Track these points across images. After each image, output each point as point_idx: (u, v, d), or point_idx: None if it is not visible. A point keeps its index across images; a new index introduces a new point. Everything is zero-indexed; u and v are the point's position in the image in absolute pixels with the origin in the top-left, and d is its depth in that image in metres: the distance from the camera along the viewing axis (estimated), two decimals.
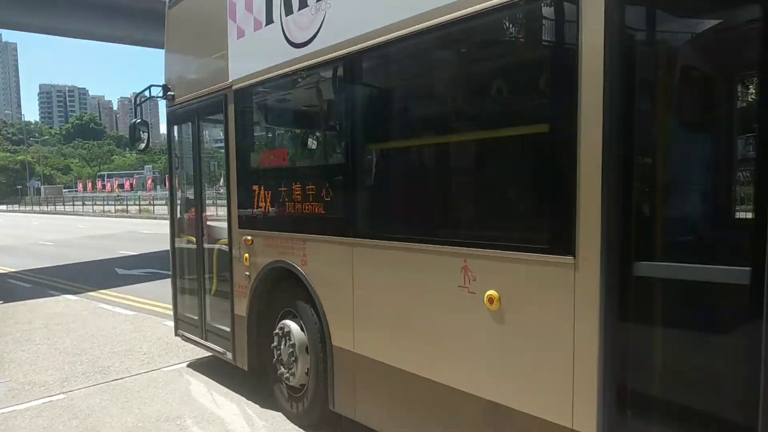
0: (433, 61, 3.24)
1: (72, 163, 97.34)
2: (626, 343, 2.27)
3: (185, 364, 5.77)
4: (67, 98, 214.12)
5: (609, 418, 2.28)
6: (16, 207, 57.11)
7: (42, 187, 69.35)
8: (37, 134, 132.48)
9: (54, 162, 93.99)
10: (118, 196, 49.37)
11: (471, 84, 3.08)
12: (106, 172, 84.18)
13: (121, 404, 4.78)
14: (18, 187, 68.40)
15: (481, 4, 2.64)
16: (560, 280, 2.40)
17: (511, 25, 2.73)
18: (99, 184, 65.31)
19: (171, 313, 6.04)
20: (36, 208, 53.86)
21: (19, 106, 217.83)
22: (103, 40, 31.19)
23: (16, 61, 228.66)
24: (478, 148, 3.01)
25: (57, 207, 51.30)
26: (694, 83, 2.60)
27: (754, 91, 2.23)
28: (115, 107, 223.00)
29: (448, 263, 2.90)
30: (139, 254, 15.51)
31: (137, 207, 41.36)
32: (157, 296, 8.95)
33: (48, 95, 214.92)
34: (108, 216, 38.39)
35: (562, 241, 2.38)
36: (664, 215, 2.38)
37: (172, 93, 5.72)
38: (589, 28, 2.24)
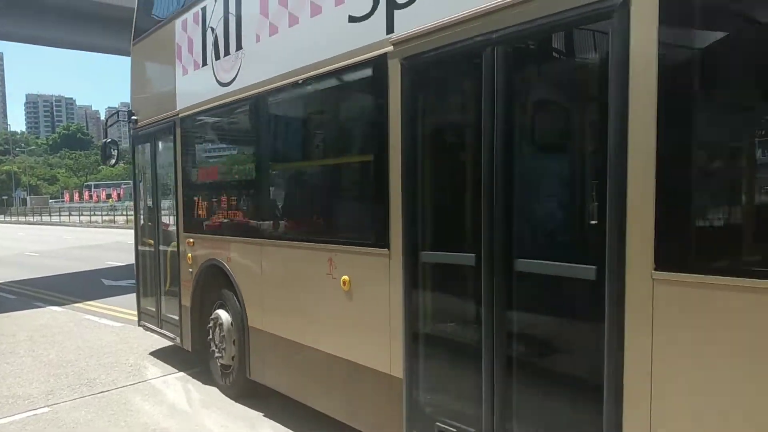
0: (308, 103, 4.27)
1: (58, 173, 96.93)
2: (420, 309, 3.25)
3: (173, 376, 5.76)
4: (54, 108, 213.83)
5: (410, 363, 3.26)
6: (1, 218, 56.78)
7: (28, 198, 68.84)
8: (23, 144, 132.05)
9: (40, 172, 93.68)
10: (112, 205, 48.28)
11: (329, 122, 4.13)
12: (93, 183, 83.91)
13: (108, 417, 4.73)
14: (3, 197, 68.02)
15: (335, 64, 3.65)
16: (382, 266, 3.38)
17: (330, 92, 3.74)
18: (86, 195, 64.72)
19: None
20: (22, 218, 53.23)
21: (5, 116, 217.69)
22: (90, 50, 30.84)
23: (2, 70, 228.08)
24: (334, 172, 4.04)
25: (43, 217, 50.84)
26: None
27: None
28: (102, 117, 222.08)
29: (320, 257, 3.88)
30: (126, 265, 14.44)
31: (124, 217, 41.22)
32: None
33: (34, 105, 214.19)
34: (95, 226, 38.00)
35: (382, 239, 3.36)
36: (436, 220, 3.33)
37: (136, 117, 6.69)
38: (394, 89, 3.24)
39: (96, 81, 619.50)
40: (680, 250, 2.15)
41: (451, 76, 3.22)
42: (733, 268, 2.03)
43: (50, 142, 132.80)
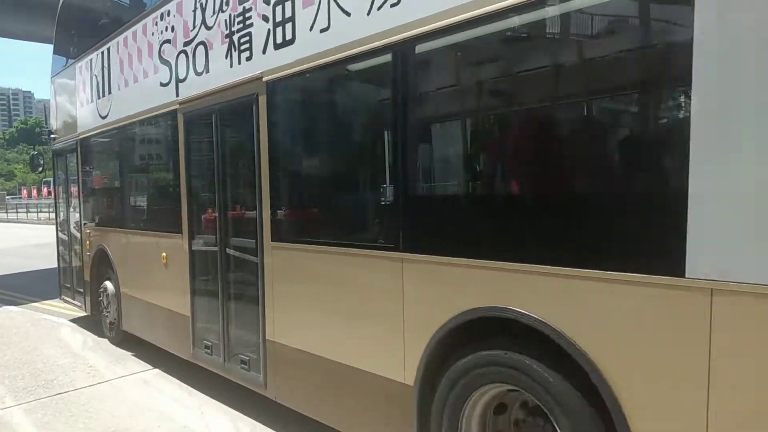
0: (142, 135, 6.14)
1: (16, 168, 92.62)
2: (197, 270, 5.13)
3: (133, 376, 5.79)
4: (11, 102, 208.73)
5: (193, 307, 5.15)
6: None
7: None
8: None
9: None
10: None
11: (153, 149, 6.02)
12: (51, 178, 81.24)
13: (65, 419, 4.65)
14: None
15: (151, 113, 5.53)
16: (180, 245, 5.26)
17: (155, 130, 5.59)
18: (45, 191, 61.19)
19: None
20: None
21: None
22: (49, 42, 30.11)
23: None
24: (156, 183, 6.01)
25: None
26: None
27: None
28: None
29: (152, 241, 5.75)
30: None
31: None
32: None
33: None
34: (53, 224, 35.51)
35: (179, 229, 5.25)
36: (198, 219, 5.19)
37: (54, 136, 8.51)
38: (261, 119, 5.13)
39: None
40: (281, 232, 4.07)
41: (200, 125, 5.01)
42: (302, 240, 3.93)
43: (7, 137, 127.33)
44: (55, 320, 8.44)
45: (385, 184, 3.20)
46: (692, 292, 2.02)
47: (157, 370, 5.90)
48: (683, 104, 2.08)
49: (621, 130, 2.53)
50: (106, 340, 7.18)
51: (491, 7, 2.57)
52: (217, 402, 4.93)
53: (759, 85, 1.86)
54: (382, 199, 3.22)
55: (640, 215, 2.22)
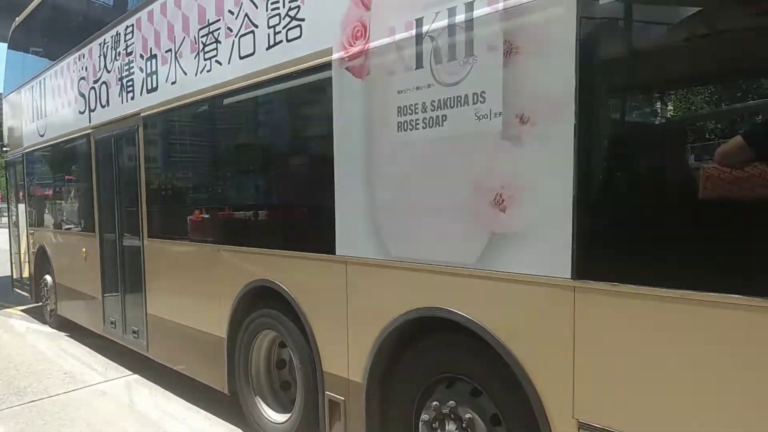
0: (68, 153, 7.39)
1: None
2: (107, 261, 6.41)
3: (109, 383, 5.73)
4: None
5: (102, 290, 6.43)
6: None
7: None
8: None
9: None
10: None
11: (76, 165, 7.29)
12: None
13: (39, 427, 4.63)
14: None
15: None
16: (93, 243, 6.53)
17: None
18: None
19: (92, 330, 6.90)
20: None
21: None
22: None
23: None
24: (77, 193, 7.23)
25: None
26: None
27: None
28: None
29: (75, 239, 7.02)
30: None
31: None
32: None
33: None
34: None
35: (93, 229, 6.52)
36: (108, 220, 6.46)
37: (7, 149, 9.74)
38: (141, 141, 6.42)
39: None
40: (153, 230, 5.36)
41: (105, 147, 6.22)
42: (165, 236, 5.23)
43: None
44: (28, 326, 8.59)
45: (207, 196, 4.54)
46: (337, 263, 3.36)
47: (136, 376, 5.90)
48: (328, 154, 3.40)
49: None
50: (47, 327, 8.43)
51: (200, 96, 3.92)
52: (195, 407, 4.98)
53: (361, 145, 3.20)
54: (206, 208, 4.56)
55: (314, 222, 3.57)
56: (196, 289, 4.78)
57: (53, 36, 7.99)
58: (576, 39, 2.25)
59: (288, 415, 4.02)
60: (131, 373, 5.97)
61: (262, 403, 4.25)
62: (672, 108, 2.34)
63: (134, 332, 5.82)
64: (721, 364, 1.96)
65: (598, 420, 2.29)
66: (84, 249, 6.82)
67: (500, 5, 2.49)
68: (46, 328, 8.28)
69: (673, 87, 2.33)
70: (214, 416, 4.75)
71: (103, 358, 6.58)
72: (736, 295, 1.90)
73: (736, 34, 2.05)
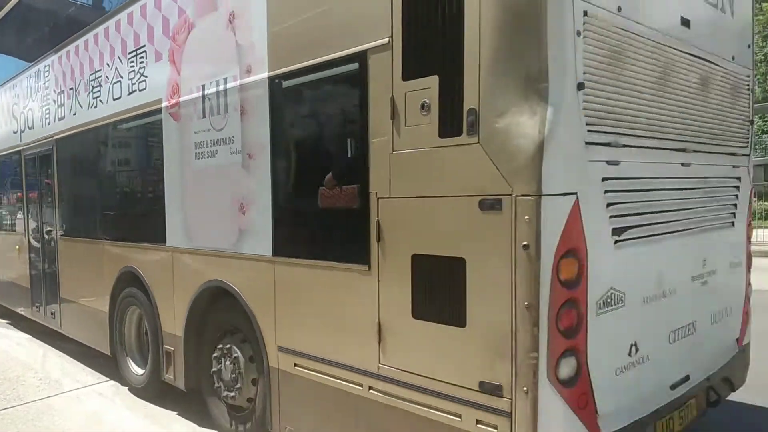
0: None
1: None
2: (42, 256, 7.69)
3: (85, 390, 5.63)
4: None
5: (31, 279, 7.71)
6: None
7: None
8: None
9: None
10: None
11: (10, 179, 8.58)
12: None
13: None
14: None
15: None
16: (20, 240, 7.81)
17: None
18: None
19: (67, 336, 6.78)
20: None
21: None
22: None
23: None
24: (9, 202, 8.53)
25: None
26: None
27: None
28: None
29: (12, 238, 8.29)
30: None
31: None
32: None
33: None
34: None
35: (24, 229, 7.80)
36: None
37: None
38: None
39: None
40: (64, 230, 6.67)
41: (32, 163, 7.52)
42: (71, 235, 6.54)
43: None
44: (1, 331, 8.54)
45: (97, 202, 5.90)
46: (167, 251, 4.72)
47: (113, 382, 5.79)
48: (162, 172, 4.76)
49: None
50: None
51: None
52: (172, 412, 4.99)
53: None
54: (107, 213, 5.91)
55: (155, 221, 4.94)
56: (89, 275, 6.10)
57: None
58: (269, 107, 3.65)
59: (145, 369, 5.36)
60: (107, 379, 5.88)
61: (131, 361, 5.58)
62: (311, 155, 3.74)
63: (52, 314, 7.11)
64: (329, 298, 3.37)
65: (289, 344, 3.67)
66: (17, 246, 8.09)
67: (237, 83, 3.89)
68: (20, 333, 8.17)
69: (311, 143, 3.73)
70: (193, 423, 4.73)
71: (79, 363, 6.43)
72: (334, 262, 3.31)
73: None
